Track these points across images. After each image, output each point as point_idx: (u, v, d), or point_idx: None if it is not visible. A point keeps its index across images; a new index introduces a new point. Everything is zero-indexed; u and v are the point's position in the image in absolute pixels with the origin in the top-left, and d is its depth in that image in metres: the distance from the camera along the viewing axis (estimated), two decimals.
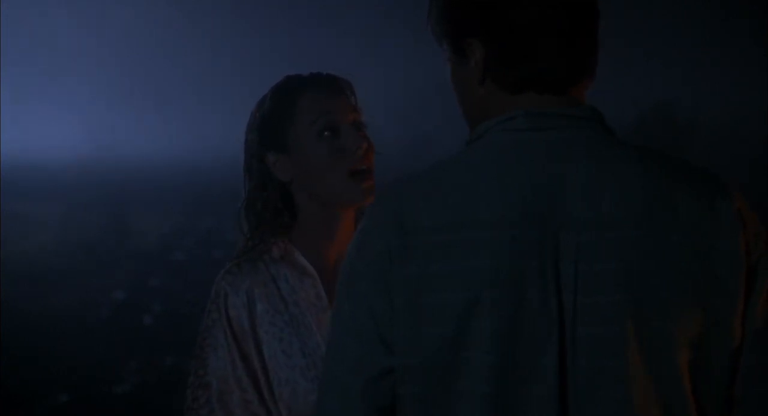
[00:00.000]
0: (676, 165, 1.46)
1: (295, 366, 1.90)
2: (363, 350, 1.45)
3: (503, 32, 1.46)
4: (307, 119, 1.94)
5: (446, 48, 1.54)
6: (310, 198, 1.96)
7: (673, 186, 1.43)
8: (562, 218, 1.41)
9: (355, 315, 1.46)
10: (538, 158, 1.43)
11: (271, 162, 1.97)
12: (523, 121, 1.46)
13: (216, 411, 1.89)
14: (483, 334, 1.40)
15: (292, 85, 1.98)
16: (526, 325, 1.40)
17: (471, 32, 1.48)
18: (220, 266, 1.99)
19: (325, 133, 1.93)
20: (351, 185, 1.92)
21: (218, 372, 1.91)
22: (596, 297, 1.40)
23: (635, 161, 1.44)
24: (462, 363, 1.41)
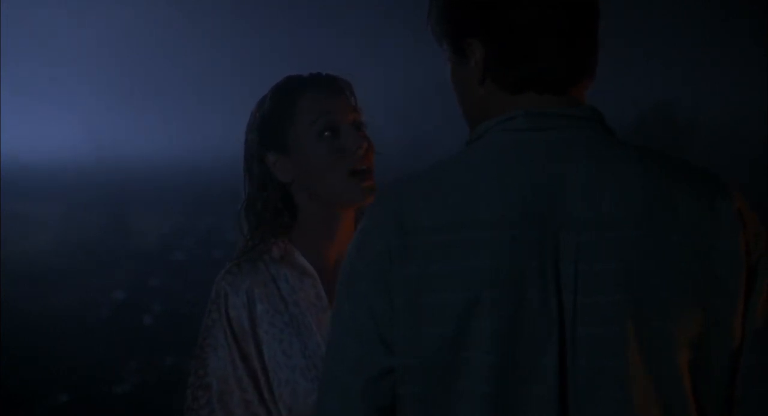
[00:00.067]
0: (676, 165, 1.46)
1: (296, 367, 1.90)
2: (363, 350, 1.45)
3: (503, 32, 1.46)
4: (307, 119, 1.94)
5: (446, 48, 1.54)
6: (310, 198, 1.96)
7: (673, 186, 1.43)
8: (562, 218, 1.41)
9: (355, 314, 1.46)
10: (538, 158, 1.43)
11: (271, 162, 1.97)
12: (523, 121, 1.46)
13: (216, 412, 1.89)
14: (483, 334, 1.40)
15: (292, 86, 1.98)
16: (526, 325, 1.40)
17: (471, 32, 1.48)
18: (220, 266, 1.98)
19: (326, 133, 1.93)
20: (351, 184, 1.92)
21: (218, 372, 1.90)
22: (596, 297, 1.40)
23: (635, 161, 1.44)
24: (462, 363, 1.41)
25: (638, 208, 1.41)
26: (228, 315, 1.92)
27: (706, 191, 1.44)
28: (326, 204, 1.95)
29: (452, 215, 1.42)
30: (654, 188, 1.42)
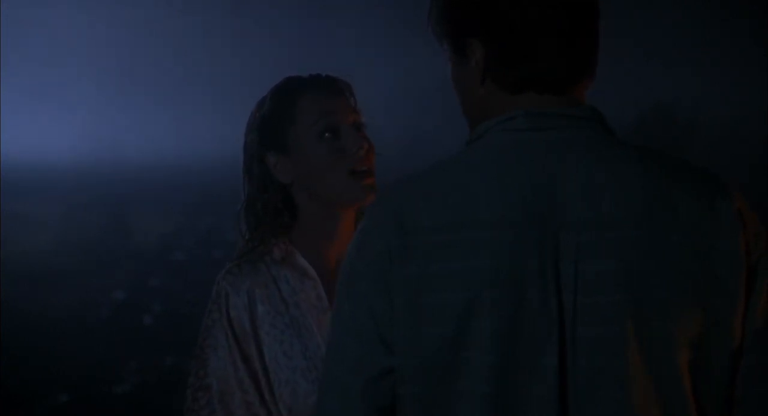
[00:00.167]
0: (676, 165, 1.46)
1: (296, 368, 1.90)
2: (363, 350, 1.45)
3: (503, 32, 1.46)
4: (307, 119, 1.94)
5: (446, 48, 1.53)
6: (311, 198, 1.96)
7: (673, 186, 1.43)
8: (562, 218, 1.41)
9: (355, 315, 1.46)
10: (538, 158, 1.43)
11: (271, 164, 1.97)
12: (523, 121, 1.46)
13: (217, 412, 1.89)
14: (483, 334, 1.40)
15: (292, 86, 1.98)
16: (526, 325, 1.40)
17: (471, 32, 1.48)
18: (220, 266, 1.98)
19: (326, 134, 1.93)
20: (351, 183, 1.92)
21: (219, 372, 1.90)
22: (596, 297, 1.40)
23: (635, 161, 1.44)
24: (462, 363, 1.41)
25: (638, 208, 1.41)
26: (229, 316, 1.91)
27: (706, 191, 1.44)
28: (326, 204, 1.95)
29: (452, 215, 1.42)
30: (654, 188, 1.42)
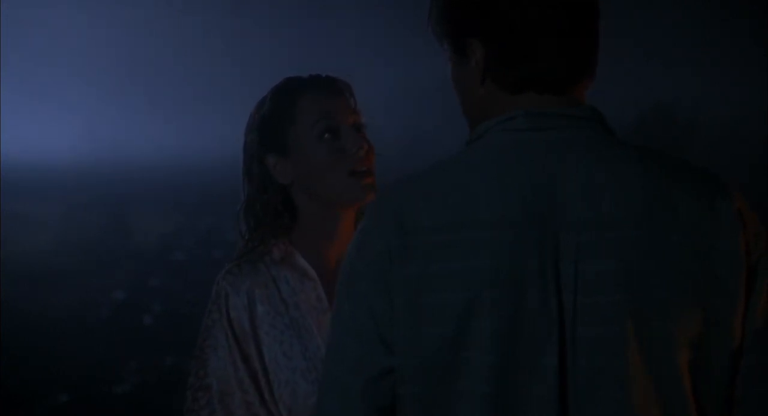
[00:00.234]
0: (676, 165, 1.46)
1: (296, 368, 1.90)
2: (363, 350, 1.45)
3: (503, 32, 1.46)
4: (307, 119, 1.94)
5: (447, 48, 1.53)
6: (311, 199, 1.96)
7: (673, 186, 1.43)
8: (562, 218, 1.41)
9: (355, 315, 1.46)
10: (538, 158, 1.43)
11: (271, 165, 1.97)
12: (523, 121, 1.46)
13: (217, 412, 1.89)
14: (483, 334, 1.40)
15: (292, 87, 1.98)
16: (526, 325, 1.40)
17: (471, 32, 1.48)
18: (220, 266, 1.98)
19: (326, 135, 1.93)
20: (351, 182, 1.91)
21: (219, 372, 1.90)
22: (596, 297, 1.40)
23: (635, 161, 1.44)
24: (462, 363, 1.41)
25: (638, 208, 1.41)
26: (229, 316, 1.91)
27: (706, 191, 1.44)
28: (326, 204, 1.95)
29: (452, 215, 1.42)
30: (654, 188, 1.42)
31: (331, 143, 1.93)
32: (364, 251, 1.46)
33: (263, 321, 1.92)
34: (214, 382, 1.90)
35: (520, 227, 1.40)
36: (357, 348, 1.46)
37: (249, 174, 2.00)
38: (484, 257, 1.40)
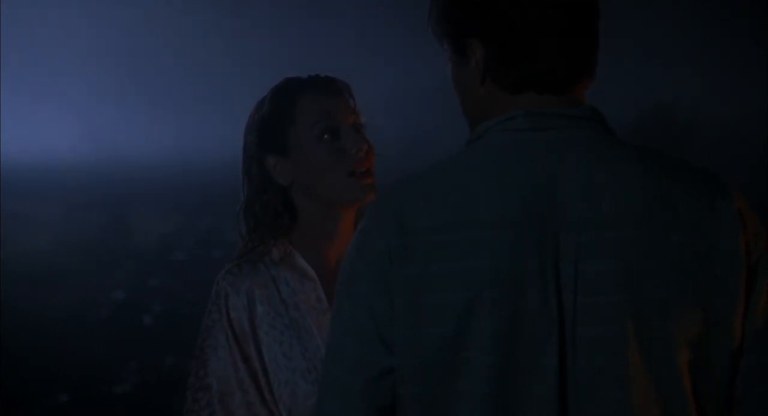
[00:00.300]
0: (676, 165, 1.46)
1: (296, 369, 1.90)
2: (363, 350, 1.46)
3: (503, 32, 1.46)
4: (307, 119, 1.94)
5: (447, 48, 1.54)
6: (311, 199, 1.96)
7: (673, 186, 1.43)
8: (562, 218, 1.41)
9: (355, 315, 1.46)
10: (538, 158, 1.43)
11: (271, 165, 1.97)
12: (523, 121, 1.46)
13: (217, 412, 1.89)
14: (483, 334, 1.40)
15: (291, 87, 1.98)
16: (526, 325, 1.40)
17: (471, 32, 1.49)
18: (220, 266, 1.98)
19: (326, 135, 1.93)
20: (351, 182, 1.92)
21: (219, 372, 1.90)
22: (596, 297, 1.40)
23: (635, 161, 1.44)
24: (462, 363, 1.41)
25: (638, 208, 1.41)
26: (229, 316, 1.91)
27: (706, 191, 1.44)
28: (326, 205, 1.95)
29: (452, 215, 1.42)
30: (654, 188, 1.42)
31: (331, 143, 1.93)
32: (364, 251, 1.46)
33: (263, 322, 1.92)
34: (214, 382, 1.90)
35: (520, 227, 1.41)
36: (357, 348, 1.46)
37: (249, 175, 2.00)
38: (484, 257, 1.40)
